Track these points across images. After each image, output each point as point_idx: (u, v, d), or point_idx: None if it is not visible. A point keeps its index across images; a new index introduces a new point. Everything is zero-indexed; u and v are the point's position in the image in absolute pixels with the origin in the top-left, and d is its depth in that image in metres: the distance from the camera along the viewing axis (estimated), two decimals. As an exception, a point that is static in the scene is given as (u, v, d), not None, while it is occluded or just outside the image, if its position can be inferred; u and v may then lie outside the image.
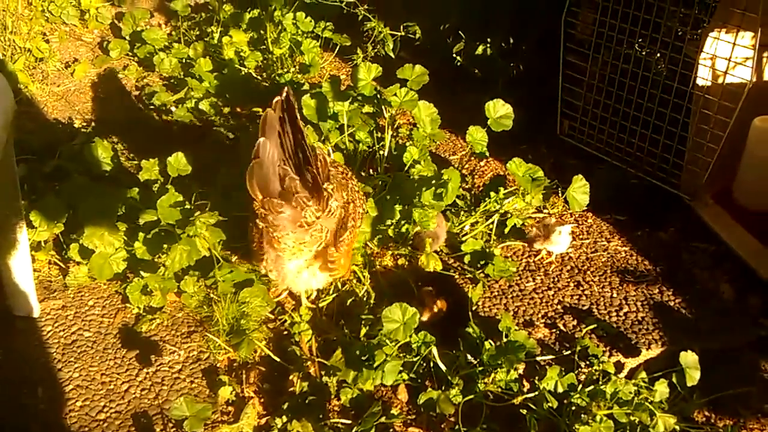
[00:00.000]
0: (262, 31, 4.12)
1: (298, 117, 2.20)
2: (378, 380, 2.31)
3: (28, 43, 4.13)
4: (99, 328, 2.64)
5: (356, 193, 2.53)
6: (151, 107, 3.82)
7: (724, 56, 2.79)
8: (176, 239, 2.56)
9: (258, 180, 2.16)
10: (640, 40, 3.10)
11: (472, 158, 3.41)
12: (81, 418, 2.32)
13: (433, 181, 2.75)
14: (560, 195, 3.07)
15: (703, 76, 2.90)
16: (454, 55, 3.84)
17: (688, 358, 2.27)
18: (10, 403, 2.36)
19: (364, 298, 2.68)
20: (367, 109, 2.86)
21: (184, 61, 4.07)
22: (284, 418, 2.28)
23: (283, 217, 2.23)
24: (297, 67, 4.06)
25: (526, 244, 2.95)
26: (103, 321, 2.66)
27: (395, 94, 2.93)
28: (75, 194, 2.78)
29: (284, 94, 2.17)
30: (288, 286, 2.54)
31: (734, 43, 2.74)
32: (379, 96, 2.96)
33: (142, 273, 2.63)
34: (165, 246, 2.59)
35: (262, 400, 2.40)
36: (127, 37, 4.35)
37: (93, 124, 3.74)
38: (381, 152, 3.03)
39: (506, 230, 2.95)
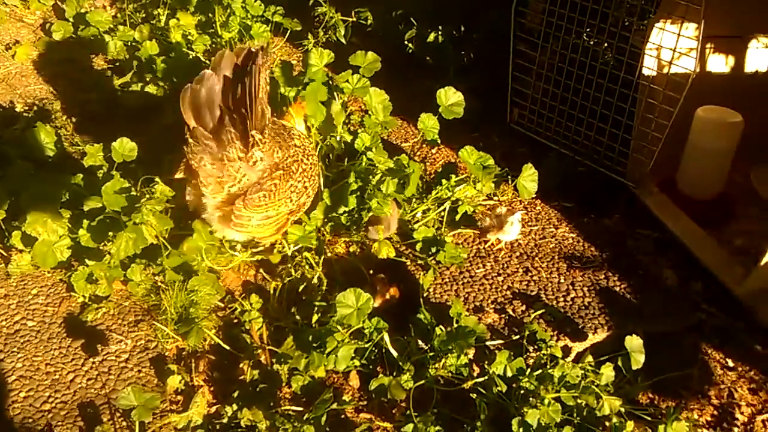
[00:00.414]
0: (210, 15, 4.05)
1: (261, 72, 2.27)
2: (331, 365, 2.32)
3: (-34, 23, 3.99)
4: (43, 318, 2.57)
5: (304, 170, 2.57)
6: (96, 91, 3.72)
7: (669, 47, 2.85)
8: (122, 227, 2.51)
9: (192, 107, 2.27)
10: (588, 29, 3.14)
11: (424, 145, 3.42)
12: (25, 409, 2.27)
13: (397, 172, 2.77)
14: (510, 182, 3.11)
15: (649, 66, 2.96)
16: (406, 42, 3.85)
17: (633, 342, 2.32)
18: (-50, 394, 2.30)
19: (317, 285, 2.67)
20: (319, 96, 2.83)
21: (129, 44, 3.98)
22: (234, 407, 2.26)
23: (207, 148, 2.32)
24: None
25: (477, 232, 2.97)
26: (47, 310, 2.60)
27: (347, 81, 2.91)
28: (17, 180, 2.70)
29: (257, 48, 2.28)
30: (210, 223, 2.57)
31: (679, 34, 2.80)
32: (330, 82, 2.93)
33: (87, 261, 2.57)
34: (110, 234, 2.54)
35: (212, 388, 2.38)
36: (71, 19, 4.23)
37: (35, 108, 3.64)
38: (333, 139, 3.01)
39: (457, 217, 2.97)
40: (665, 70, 2.90)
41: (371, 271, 2.74)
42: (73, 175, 2.76)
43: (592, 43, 3.17)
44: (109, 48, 3.93)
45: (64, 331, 2.53)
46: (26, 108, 3.63)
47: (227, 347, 2.46)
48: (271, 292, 2.63)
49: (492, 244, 2.93)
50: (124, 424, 2.24)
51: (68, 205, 2.64)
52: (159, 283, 2.61)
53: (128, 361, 2.45)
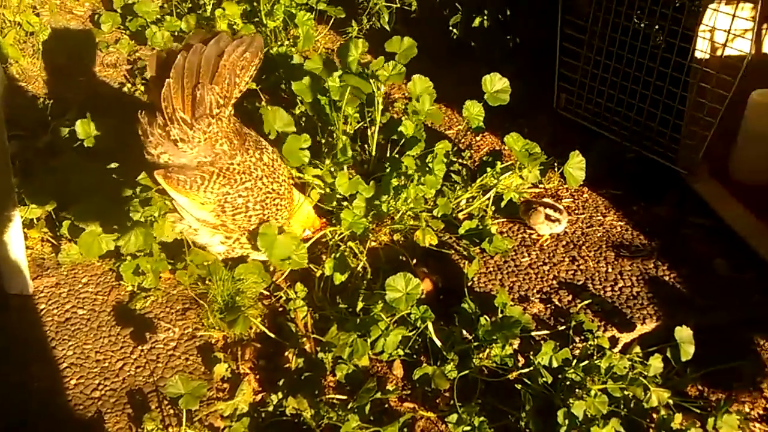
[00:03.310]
0: (255, 3, 4.05)
1: (228, 59, 2.35)
2: (378, 349, 2.33)
3: (18, 16, 4.06)
4: (93, 306, 2.63)
5: (252, 189, 2.50)
6: (144, 81, 3.77)
7: (723, 28, 2.76)
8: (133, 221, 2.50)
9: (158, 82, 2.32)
10: (638, 11, 3.06)
11: (469, 132, 3.38)
12: (75, 396, 2.32)
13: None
14: (557, 170, 3.05)
15: (702, 49, 2.87)
16: (451, 28, 3.79)
17: (683, 333, 2.27)
18: (4, 381, 2.36)
19: (361, 274, 2.67)
20: (356, 83, 2.81)
21: (176, 34, 4.01)
22: (280, 395, 2.28)
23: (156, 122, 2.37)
24: (291, 40, 4.00)
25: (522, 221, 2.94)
26: (97, 299, 2.66)
27: (382, 68, 2.89)
28: (67, 171, 2.75)
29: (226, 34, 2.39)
30: None
31: (734, 15, 2.70)
32: (366, 71, 2.91)
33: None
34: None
35: (257, 376, 2.40)
36: (119, 10, 4.28)
37: (84, 98, 3.70)
38: (372, 128, 2.99)
39: (503, 204, 2.93)
40: (719, 53, 2.81)
41: (414, 261, 2.73)
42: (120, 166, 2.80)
43: (642, 25, 3.08)
44: (156, 38, 3.97)
45: (113, 319, 2.58)
46: (76, 99, 3.69)
47: (272, 335, 2.48)
48: (316, 280, 2.64)
49: (541, 238, 2.89)
50: (172, 411, 2.27)
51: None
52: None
53: (176, 349, 2.49)
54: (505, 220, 2.96)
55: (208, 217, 2.49)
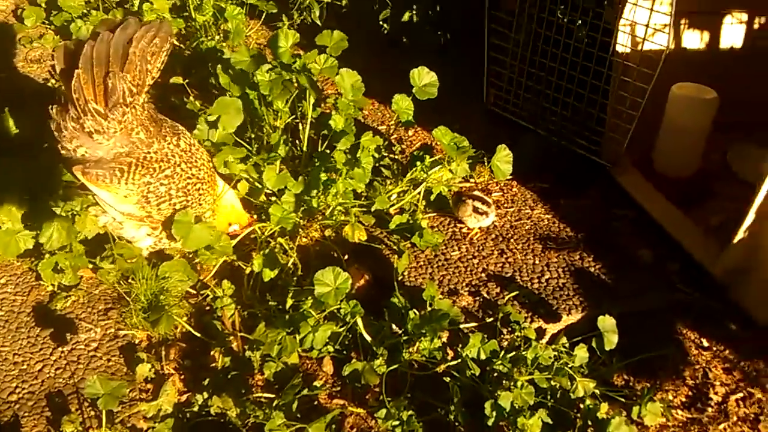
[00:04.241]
0: (184, -2, 4.00)
1: (137, 46, 2.26)
2: (307, 345, 2.31)
3: (-66, 8, 3.92)
4: (12, 307, 2.54)
5: (173, 176, 2.44)
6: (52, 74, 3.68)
7: (643, 23, 2.82)
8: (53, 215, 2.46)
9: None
10: (561, 6, 3.10)
11: (400, 128, 3.38)
12: (-8, 401, 2.24)
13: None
14: (486, 164, 3.07)
15: (622, 43, 2.93)
16: (381, 23, 3.79)
17: (606, 322, 2.30)
18: None
19: (291, 270, 2.64)
20: (285, 76, 2.79)
21: (102, 29, 3.91)
22: (205, 394, 2.24)
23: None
24: (221, 35, 3.95)
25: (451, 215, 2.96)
26: (15, 299, 2.57)
27: (314, 61, 2.86)
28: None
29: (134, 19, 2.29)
30: None
31: (652, 10, 2.77)
32: (297, 63, 2.88)
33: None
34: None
35: (182, 376, 2.35)
36: (43, 5, 4.17)
37: (8, 94, 3.58)
38: (303, 123, 2.97)
39: (432, 197, 2.94)
40: (639, 47, 2.87)
41: (346, 256, 2.71)
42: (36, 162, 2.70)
43: (565, 20, 3.13)
44: (81, 33, 3.86)
45: (32, 320, 2.50)
46: (-3, 96, 3.57)
47: (198, 335, 2.44)
48: (245, 277, 2.60)
49: (471, 231, 2.90)
50: (93, 413, 2.21)
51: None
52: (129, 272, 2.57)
53: (97, 349, 2.42)
54: (435, 214, 2.97)
55: (133, 210, 2.43)
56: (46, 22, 4.12)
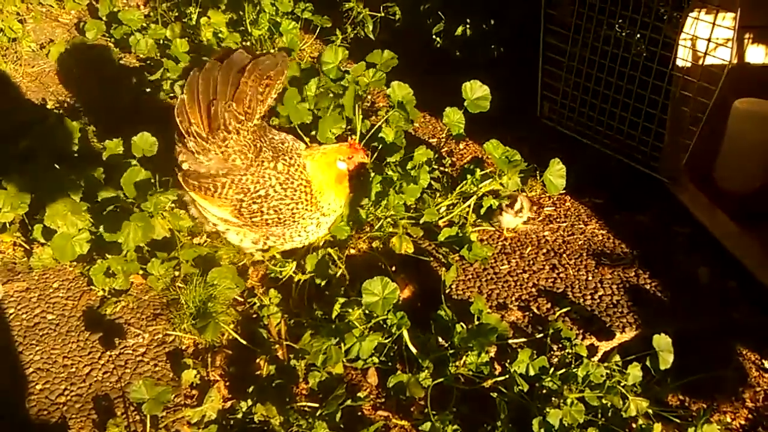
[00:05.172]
0: (240, 12, 4.05)
1: (249, 77, 2.41)
2: (353, 354, 2.29)
3: (0, 23, 4.04)
4: (63, 311, 2.58)
5: (282, 191, 2.51)
6: (125, 89, 3.75)
7: (704, 37, 2.74)
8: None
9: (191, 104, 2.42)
10: (620, 20, 3.05)
11: (451, 141, 3.36)
12: (40, 402, 2.27)
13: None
14: (538, 178, 3.02)
15: (683, 58, 2.85)
16: (434, 37, 3.78)
17: (661, 342, 2.22)
18: (-31, 385, 2.31)
19: (338, 281, 2.62)
20: (335, 89, 2.80)
21: (161, 42, 3.99)
22: (249, 402, 2.24)
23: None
24: (276, 48, 3.99)
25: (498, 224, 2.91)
26: (67, 303, 2.61)
27: (362, 75, 2.87)
28: (40, 175, 2.71)
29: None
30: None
31: (714, 24, 2.69)
32: (346, 77, 2.90)
33: (106, 255, 2.57)
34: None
35: (227, 383, 2.35)
36: (104, 18, 4.27)
37: (66, 104, 3.68)
38: (354, 136, 2.96)
39: (482, 211, 2.90)
40: (700, 62, 2.79)
41: (393, 268, 2.69)
42: (93, 168, 2.76)
43: (624, 34, 3.06)
44: (140, 46, 3.95)
45: (82, 324, 2.54)
46: (57, 105, 3.67)
47: (244, 342, 2.43)
48: (294, 286, 2.60)
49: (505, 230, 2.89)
50: (138, 417, 2.22)
51: (89, 199, 2.64)
52: (177, 280, 2.59)
53: (145, 354, 2.44)
54: (485, 227, 2.92)
55: (229, 217, 2.52)
56: (106, 34, 4.22)
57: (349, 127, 2.98)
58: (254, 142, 2.50)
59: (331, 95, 2.82)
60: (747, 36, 3.01)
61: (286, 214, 2.54)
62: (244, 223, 2.54)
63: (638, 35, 3.05)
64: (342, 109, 2.88)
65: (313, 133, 2.96)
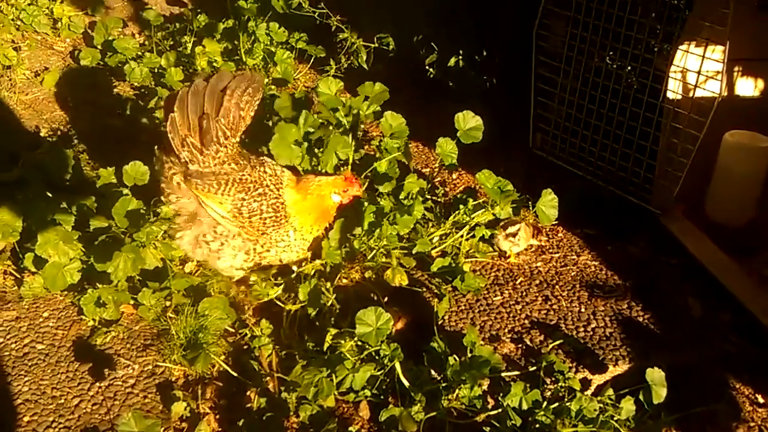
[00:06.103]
0: (235, 42, 4.08)
1: (231, 95, 2.58)
2: (345, 387, 2.27)
3: (-6, 51, 4.06)
4: (52, 341, 2.56)
5: (263, 195, 2.61)
6: (120, 117, 3.75)
7: (694, 70, 2.77)
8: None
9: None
10: (610, 52, 3.08)
11: (444, 171, 3.36)
12: (28, 434, 2.24)
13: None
14: (531, 208, 3.03)
15: (674, 90, 2.88)
16: (427, 67, 3.81)
17: (655, 375, 2.21)
18: (-45, 417, 2.28)
19: (329, 311, 2.61)
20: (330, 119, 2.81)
21: (155, 70, 4.01)
22: (239, 435, 2.21)
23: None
24: (271, 78, 4.01)
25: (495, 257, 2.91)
26: (57, 333, 2.58)
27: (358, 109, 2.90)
28: (32, 202, 2.70)
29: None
30: None
31: (704, 57, 2.72)
32: (342, 107, 2.91)
33: (97, 284, 2.55)
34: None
35: (217, 416, 2.33)
36: (99, 46, 4.30)
37: (59, 133, 3.67)
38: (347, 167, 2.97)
39: (474, 241, 2.90)
40: (690, 94, 2.81)
41: (386, 299, 2.68)
42: (85, 198, 2.75)
43: (615, 66, 3.10)
44: (135, 74, 3.97)
45: (72, 354, 2.51)
46: (50, 133, 3.66)
47: (235, 374, 2.41)
48: (285, 316, 2.58)
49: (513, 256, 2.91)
50: (126, 450, 2.19)
51: (80, 228, 2.63)
52: (169, 311, 2.58)
53: (134, 386, 2.41)
54: (476, 259, 2.91)
55: (229, 216, 2.59)
56: (101, 63, 4.23)
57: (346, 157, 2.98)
58: (239, 153, 2.66)
59: (331, 127, 2.83)
60: (736, 69, 3.06)
61: (282, 213, 2.65)
62: (242, 225, 2.58)
63: (629, 67, 3.08)
64: (346, 139, 2.89)
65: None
